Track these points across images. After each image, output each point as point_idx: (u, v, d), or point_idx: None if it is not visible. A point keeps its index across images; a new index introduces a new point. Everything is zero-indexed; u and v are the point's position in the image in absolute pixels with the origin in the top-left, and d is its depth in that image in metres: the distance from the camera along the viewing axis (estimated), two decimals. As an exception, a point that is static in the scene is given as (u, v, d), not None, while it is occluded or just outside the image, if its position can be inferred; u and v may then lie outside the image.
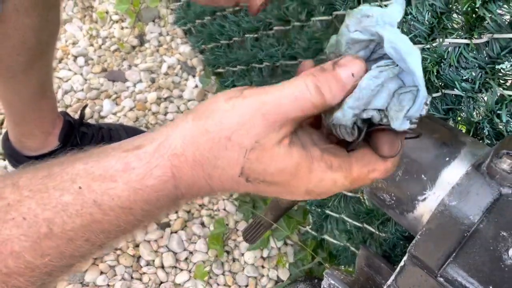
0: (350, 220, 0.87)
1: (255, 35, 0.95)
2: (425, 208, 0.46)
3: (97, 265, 0.96)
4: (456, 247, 0.42)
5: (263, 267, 1.02)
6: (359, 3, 0.64)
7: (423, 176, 0.45)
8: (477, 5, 0.47)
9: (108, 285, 0.94)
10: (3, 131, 1.05)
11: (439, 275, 0.44)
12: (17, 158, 0.95)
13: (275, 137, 0.33)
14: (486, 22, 0.47)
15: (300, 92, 0.32)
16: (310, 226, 1.01)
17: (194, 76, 1.25)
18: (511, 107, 0.49)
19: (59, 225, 0.33)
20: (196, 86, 1.23)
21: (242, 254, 1.02)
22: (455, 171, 0.44)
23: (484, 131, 0.52)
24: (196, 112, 0.34)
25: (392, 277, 0.49)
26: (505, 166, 0.40)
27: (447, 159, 0.45)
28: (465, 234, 0.41)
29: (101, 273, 0.95)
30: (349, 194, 0.85)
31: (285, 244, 1.04)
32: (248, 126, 0.32)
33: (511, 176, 0.40)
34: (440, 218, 0.42)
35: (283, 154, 0.33)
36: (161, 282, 0.96)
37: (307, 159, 0.34)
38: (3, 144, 0.97)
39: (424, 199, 0.45)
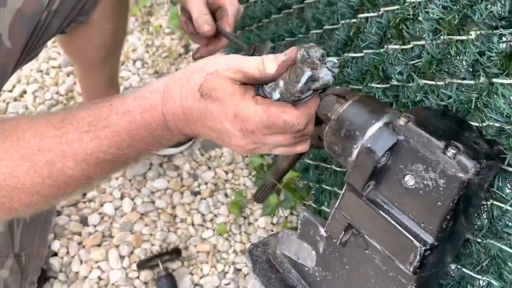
0: (339, 191, 1.09)
1: (273, 45, 1.21)
2: (357, 152, 0.69)
3: (143, 219, 1.24)
4: (371, 174, 0.65)
5: (272, 230, 1.25)
6: (337, 20, 0.89)
7: (357, 132, 0.68)
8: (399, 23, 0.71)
9: (150, 234, 1.22)
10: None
11: (364, 196, 0.68)
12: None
13: (229, 74, 0.48)
14: (407, 33, 0.71)
15: (255, 60, 0.50)
16: (312, 201, 1.24)
17: (227, 79, 1.53)
18: (426, 91, 0.72)
19: (99, 129, 0.50)
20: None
21: (256, 220, 1.27)
22: (375, 128, 0.67)
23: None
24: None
25: (337, 201, 0.72)
26: (401, 123, 0.63)
27: (373, 121, 0.68)
28: (376, 165, 0.64)
29: (146, 225, 1.23)
30: (338, 169, 1.08)
31: (291, 214, 1.28)
32: (216, 63, 0.49)
33: (403, 128, 0.63)
34: (361, 155, 0.66)
35: (229, 82, 0.48)
36: (191, 236, 1.23)
37: (243, 90, 0.48)
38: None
39: (357, 147, 0.68)
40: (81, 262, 1.16)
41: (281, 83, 0.49)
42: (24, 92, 1.43)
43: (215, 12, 0.79)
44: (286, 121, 0.49)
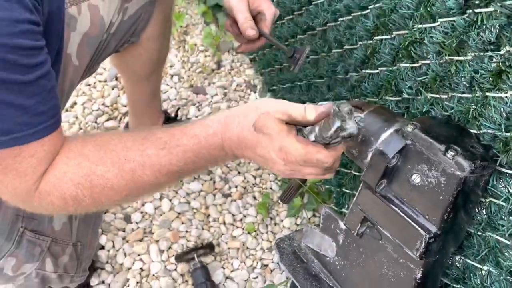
0: (358, 194, 1.20)
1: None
2: (371, 154, 0.80)
3: (180, 218, 1.37)
4: (383, 173, 0.76)
5: (296, 230, 1.37)
6: (356, 41, 1.01)
7: (371, 138, 0.80)
8: (408, 46, 0.82)
9: (186, 231, 1.35)
10: (126, 119, 1.51)
11: (377, 192, 0.79)
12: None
13: (278, 115, 0.62)
14: (415, 54, 0.83)
15: (299, 107, 0.64)
16: (333, 204, 1.35)
17: (255, 92, 1.66)
18: (431, 103, 0.83)
19: (172, 147, 0.64)
20: (256, 99, 1.64)
21: (282, 220, 1.38)
22: (387, 134, 0.79)
23: (420, 118, 0.86)
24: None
25: (355, 197, 0.84)
26: (409, 129, 0.75)
27: (385, 128, 0.79)
28: (387, 165, 0.75)
29: (182, 223, 1.36)
30: (357, 173, 1.19)
31: (314, 215, 1.39)
32: (268, 105, 0.64)
33: (411, 134, 0.74)
34: (374, 157, 0.77)
35: (277, 122, 0.61)
36: (222, 234, 1.35)
37: (288, 129, 0.62)
38: (124, 130, 1.43)
39: (371, 150, 0.80)
40: (125, 255, 1.29)
41: (317, 128, 0.62)
42: (75, 103, 1.60)
43: (255, 16, 0.92)
44: (318, 159, 0.63)
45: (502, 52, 0.64)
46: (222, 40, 1.76)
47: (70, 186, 0.61)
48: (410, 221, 0.75)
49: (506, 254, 0.76)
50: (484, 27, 0.65)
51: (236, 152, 0.66)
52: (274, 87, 1.56)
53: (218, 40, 1.73)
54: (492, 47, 0.65)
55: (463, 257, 0.83)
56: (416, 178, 0.75)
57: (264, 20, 0.92)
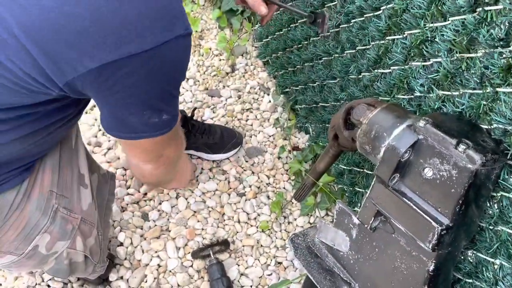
0: (371, 192, 1.22)
1: (311, 64, 1.37)
2: (384, 150, 0.82)
3: (196, 216, 1.40)
4: (396, 167, 0.78)
5: (310, 227, 1.39)
6: (368, 42, 1.04)
7: (384, 133, 0.82)
8: (419, 44, 0.85)
9: (202, 229, 1.38)
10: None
11: (390, 186, 0.81)
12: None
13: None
14: (426, 52, 0.85)
15: None
16: (346, 203, 1.37)
17: (268, 94, 1.69)
18: (443, 100, 0.85)
19: None
20: (270, 101, 1.67)
21: (295, 219, 1.41)
22: (400, 129, 0.81)
23: (432, 115, 0.88)
24: None
25: (368, 192, 0.86)
26: (421, 124, 0.77)
27: (398, 124, 0.82)
28: (400, 159, 0.78)
29: (198, 221, 1.39)
30: (369, 172, 1.21)
31: (327, 214, 1.41)
32: None
33: (422, 129, 0.76)
34: (387, 151, 0.79)
35: None
36: (237, 232, 1.38)
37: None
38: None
39: (384, 145, 0.82)
40: (143, 251, 1.33)
41: None
42: (94, 105, 1.65)
43: None
44: None
45: (511, 48, 0.66)
46: (236, 44, 1.79)
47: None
48: (422, 213, 0.77)
49: (517, 246, 0.77)
50: (494, 24, 0.67)
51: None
52: (287, 89, 1.59)
53: (232, 44, 1.77)
54: (502, 43, 0.67)
55: (475, 251, 0.85)
56: (428, 172, 0.77)
57: None
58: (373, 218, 0.86)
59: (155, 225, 1.37)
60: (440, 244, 0.76)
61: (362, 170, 1.24)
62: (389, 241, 0.86)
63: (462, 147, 0.71)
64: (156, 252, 1.32)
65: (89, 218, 0.96)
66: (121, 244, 1.34)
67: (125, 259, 1.32)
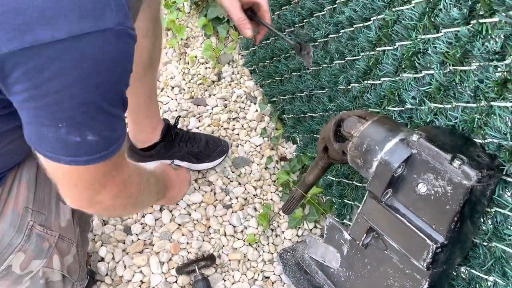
0: (360, 205, 1.20)
1: (299, 73, 1.34)
2: (377, 164, 0.80)
3: (180, 229, 1.36)
4: (389, 182, 0.76)
5: (299, 241, 1.36)
6: (358, 52, 1.02)
7: (376, 147, 0.80)
8: (411, 56, 0.83)
9: (187, 243, 1.33)
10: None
11: (383, 202, 0.79)
12: (134, 150, 1.38)
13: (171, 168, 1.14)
14: (418, 64, 0.83)
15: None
16: (334, 215, 1.35)
17: (255, 103, 1.66)
18: (435, 113, 0.83)
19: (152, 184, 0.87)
20: (256, 111, 1.64)
21: (283, 232, 1.37)
22: (392, 143, 0.79)
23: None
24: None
25: (360, 207, 0.83)
26: (414, 138, 0.75)
27: (390, 138, 0.79)
28: (393, 174, 0.75)
29: (183, 234, 1.35)
30: (359, 184, 1.19)
31: (315, 227, 1.38)
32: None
33: (416, 143, 0.74)
34: (380, 166, 0.77)
35: None
36: (223, 245, 1.34)
37: (177, 170, 1.17)
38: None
39: (377, 159, 0.80)
40: (125, 267, 1.28)
41: None
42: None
43: (251, 7, 0.99)
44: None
45: (507, 61, 0.65)
46: (223, 52, 1.76)
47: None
48: (416, 231, 0.75)
49: (511, 263, 0.75)
50: (489, 37, 0.66)
51: (169, 187, 1.07)
52: (274, 99, 1.56)
53: (219, 53, 1.74)
54: (497, 56, 0.65)
55: (468, 268, 0.83)
56: (422, 188, 0.75)
57: (262, 10, 0.98)
58: (365, 234, 0.83)
59: (138, 239, 1.32)
60: (435, 262, 0.74)
61: (351, 182, 1.22)
62: (381, 258, 0.83)
63: (457, 162, 0.69)
64: (138, 267, 1.28)
65: (68, 235, 0.91)
66: (102, 259, 1.29)
67: (106, 275, 1.26)
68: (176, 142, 1.38)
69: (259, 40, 1.07)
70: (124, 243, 1.32)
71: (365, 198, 0.82)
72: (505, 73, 0.65)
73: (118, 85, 0.62)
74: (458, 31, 0.72)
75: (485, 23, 0.67)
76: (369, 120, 0.84)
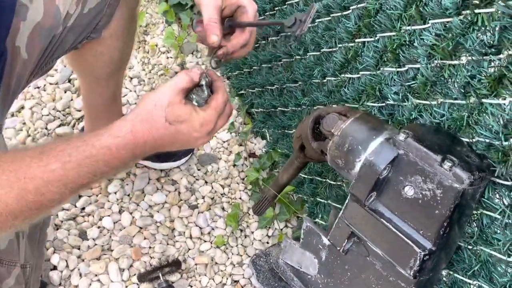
0: (334, 204, 1.14)
1: (269, 65, 1.27)
2: (360, 165, 0.74)
3: (142, 233, 1.26)
4: (374, 185, 0.70)
5: (267, 243, 1.29)
6: (335, 44, 0.96)
7: (359, 147, 0.74)
8: (396, 48, 0.78)
9: (150, 247, 1.24)
10: (80, 125, 1.38)
11: (366, 206, 0.73)
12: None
13: (178, 98, 0.66)
14: (403, 57, 0.78)
15: (181, 76, 0.68)
16: (306, 213, 1.29)
17: (221, 96, 1.58)
18: (420, 109, 0.78)
19: (79, 159, 0.62)
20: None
21: (252, 232, 1.30)
22: (377, 143, 0.73)
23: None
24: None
25: (341, 211, 0.77)
26: (401, 138, 0.69)
27: (374, 137, 0.74)
28: (378, 177, 0.70)
29: (145, 238, 1.25)
30: (332, 182, 1.13)
31: (286, 226, 1.32)
32: (164, 96, 0.66)
33: (403, 143, 0.69)
34: (364, 168, 0.71)
35: (183, 106, 0.66)
36: (189, 249, 1.25)
37: (193, 109, 0.69)
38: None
39: (360, 160, 0.74)
40: (80, 275, 1.17)
41: (194, 96, 0.72)
42: (22, 107, 1.45)
43: (234, 13, 0.80)
44: (220, 108, 0.72)
45: (503, 56, 0.60)
46: (186, 41, 1.66)
47: None
48: (402, 236, 0.70)
49: (499, 269, 0.72)
50: (485, 28, 0.61)
51: (150, 152, 0.68)
52: (242, 91, 1.48)
53: (181, 41, 1.63)
54: (493, 50, 0.61)
55: (451, 272, 0.79)
56: (409, 191, 0.70)
57: (246, 13, 0.78)
58: (346, 240, 0.78)
59: (95, 245, 1.22)
60: (422, 270, 0.69)
61: (324, 180, 1.16)
62: (363, 265, 0.78)
63: (447, 164, 0.64)
64: (96, 275, 1.17)
65: (8, 257, 0.80)
66: (55, 267, 1.17)
67: (60, 285, 1.15)
68: None
69: (223, 56, 0.80)
70: (79, 249, 1.21)
71: (346, 201, 0.76)
72: (501, 68, 0.60)
73: None
74: (448, 22, 0.67)
75: (480, 13, 0.61)
76: (350, 118, 0.78)
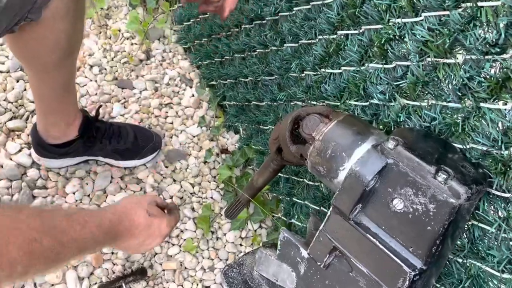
0: (311, 205, 1.08)
1: (242, 55, 1.17)
2: (344, 174, 0.67)
3: (104, 237, 1.16)
4: (359, 198, 0.63)
5: (241, 245, 1.22)
6: (315, 35, 0.87)
7: (343, 153, 0.67)
8: (383, 43, 0.70)
9: (112, 253, 1.14)
10: (34, 119, 1.25)
11: (351, 219, 0.66)
12: (43, 146, 1.15)
13: (154, 202, 0.85)
14: (391, 54, 0.70)
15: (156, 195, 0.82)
16: (281, 213, 1.22)
17: (191, 87, 1.47)
18: (409, 111, 0.71)
19: (71, 236, 0.63)
20: (193, 95, 1.45)
21: (225, 234, 1.23)
22: (363, 150, 0.66)
23: (393, 128, 0.74)
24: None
25: (323, 224, 0.70)
26: (390, 146, 0.62)
27: (359, 142, 0.67)
28: (365, 188, 0.63)
29: (107, 243, 1.15)
30: (310, 183, 1.06)
31: (260, 227, 1.25)
32: (145, 199, 0.84)
33: (393, 152, 0.62)
34: (349, 178, 0.64)
35: (158, 209, 0.86)
36: (156, 253, 1.16)
37: (151, 218, 0.82)
38: (32, 133, 1.17)
39: (344, 168, 0.67)
40: (35, 285, 1.06)
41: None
42: (-35, 99, 1.30)
43: None
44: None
45: (507, 55, 0.53)
46: (151, 26, 1.54)
47: None
48: (390, 254, 0.63)
49: (491, 284, 0.67)
50: (489, 25, 0.53)
51: (124, 236, 0.78)
52: (213, 82, 1.38)
53: (147, 26, 1.51)
54: (496, 49, 0.53)
55: (438, 286, 0.74)
56: (398, 204, 0.63)
57: None
58: (327, 255, 0.71)
59: (52, 252, 1.10)
60: (411, 291, 0.63)
61: (301, 179, 1.09)
62: (345, 281, 0.71)
63: (442, 176, 0.58)
64: (52, 286, 1.07)
65: None
66: (6, 278, 1.05)
67: (12, 297, 1.04)
68: (97, 139, 1.16)
69: (228, 11, 0.86)
70: (33, 257, 1.09)
71: (328, 213, 0.69)
72: (506, 70, 0.53)
73: None
74: (444, 16, 0.60)
75: (483, 7, 0.54)
76: (333, 120, 0.70)
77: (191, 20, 1.42)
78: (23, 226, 0.55)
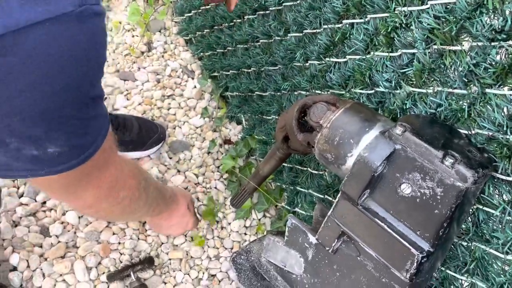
0: (315, 194, 1.09)
1: (245, 46, 1.18)
2: (352, 160, 0.68)
3: (110, 228, 1.17)
4: (368, 183, 0.65)
5: (245, 234, 1.24)
6: (320, 25, 0.88)
7: (351, 140, 0.68)
8: (390, 32, 0.71)
9: (119, 243, 1.15)
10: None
11: (359, 204, 0.68)
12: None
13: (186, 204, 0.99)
14: (397, 42, 0.71)
15: None
16: (285, 203, 1.24)
17: (193, 78, 1.48)
18: (415, 99, 0.73)
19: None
20: (195, 87, 1.46)
21: (229, 223, 1.24)
22: (371, 136, 0.67)
23: (399, 115, 0.76)
24: None
25: (331, 210, 0.72)
26: (398, 132, 0.64)
27: (367, 129, 0.68)
28: (373, 174, 0.64)
29: (113, 233, 1.16)
30: (314, 171, 1.08)
31: (264, 216, 1.26)
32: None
33: (401, 138, 0.63)
34: (358, 164, 0.65)
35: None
36: (162, 243, 1.18)
37: (188, 212, 0.99)
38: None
39: (352, 155, 0.68)
40: (43, 276, 1.07)
41: None
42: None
43: None
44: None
45: (513, 42, 0.54)
46: (152, 18, 1.54)
47: None
48: (398, 237, 0.65)
49: (495, 266, 0.68)
50: (496, 12, 0.55)
51: (167, 211, 0.94)
52: (215, 73, 1.39)
53: (148, 18, 1.51)
54: (503, 36, 0.55)
55: (443, 268, 0.76)
56: (406, 189, 0.64)
57: None
58: (336, 240, 0.72)
59: (59, 242, 1.12)
60: (419, 272, 0.64)
61: (305, 168, 1.10)
62: (353, 265, 0.73)
63: (449, 161, 0.59)
64: (61, 275, 1.08)
65: None
66: (15, 268, 1.07)
67: (21, 287, 1.05)
68: None
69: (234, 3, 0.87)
70: (41, 247, 1.11)
71: (337, 199, 0.70)
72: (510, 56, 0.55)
73: (85, 83, 0.48)
74: (450, 4, 0.61)
75: (490, -6, 0.55)
76: (340, 108, 0.72)
77: (192, 12, 1.42)
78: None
